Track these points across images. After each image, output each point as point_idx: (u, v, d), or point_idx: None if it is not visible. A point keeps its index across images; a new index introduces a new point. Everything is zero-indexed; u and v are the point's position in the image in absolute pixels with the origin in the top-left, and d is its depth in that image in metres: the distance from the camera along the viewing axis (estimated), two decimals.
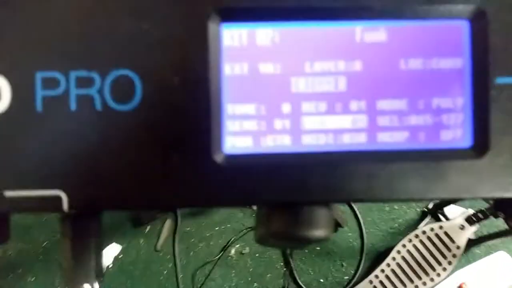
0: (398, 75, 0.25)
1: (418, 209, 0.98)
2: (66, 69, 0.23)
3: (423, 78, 0.25)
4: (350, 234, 1.00)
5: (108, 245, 0.73)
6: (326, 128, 0.25)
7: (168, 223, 0.82)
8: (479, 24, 0.25)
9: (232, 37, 0.25)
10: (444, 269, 0.94)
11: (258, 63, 0.25)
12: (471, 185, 0.25)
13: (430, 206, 1.04)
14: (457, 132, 0.25)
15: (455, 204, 1.00)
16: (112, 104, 0.24)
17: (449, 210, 1.03)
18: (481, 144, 0.25)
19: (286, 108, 0.25)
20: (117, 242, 0.75)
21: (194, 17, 0.24)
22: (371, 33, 0.25)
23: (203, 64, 0.24)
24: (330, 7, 0.24)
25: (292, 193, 0.25)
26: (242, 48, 0.25)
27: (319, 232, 0.26)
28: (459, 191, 0.25)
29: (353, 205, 0.99)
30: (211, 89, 0.24)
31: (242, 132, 0.25)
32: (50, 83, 0.23)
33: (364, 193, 0.25)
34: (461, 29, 0.25)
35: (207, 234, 0.78)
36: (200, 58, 0.24)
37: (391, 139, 0.25)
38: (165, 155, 0.24)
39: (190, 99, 0.24)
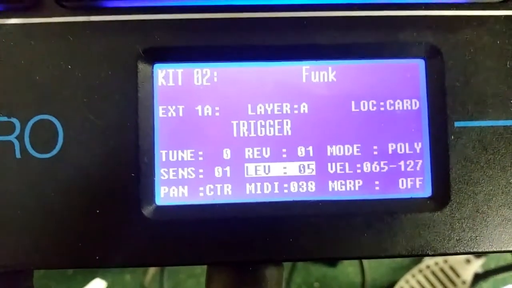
0: (349, 118, 0.23)
1: None
2: None
3: (376, 121, 0.23)
4: (350, 268, 0.96)
5: (91, 280, 0.70)
6: (271, 176, 0.23)
7: None
8: (435, 63, 0.22)
9: (166, 77, 0.23)
10: None
11: (195, 105, 0.23)
12: (432, 240, 0.22)
13: None
14: (415, 180, 0.23)
15: None
16: (32, 151, 0.22)
17: None
18: (441, 194, 0.22)
19: (227, 154, 0.23)
20: (101, 278, 0.72)
21: (122, 57, 0.22)
22: (318, 73, 0.23)
23: (132, 107, 0.22)
24: (272, 45, 0.22)
25: (232, 250, 0.22)
26: (177, 89, 0.23)
27: None
28: (418, 247, 0.22)
29: None
30: (141, 133, 0.22)
31: (177, 181, 0.23)
32: None
33: (313, 250, 0.22)
34: (416, 68, 0.23)
35: (197, 271, 0.75)
36: (129, 100, 0.22)
37: (343, 187, 0.23)
38: (87, 207, 0.22)
39: (117, 145, 0.22)
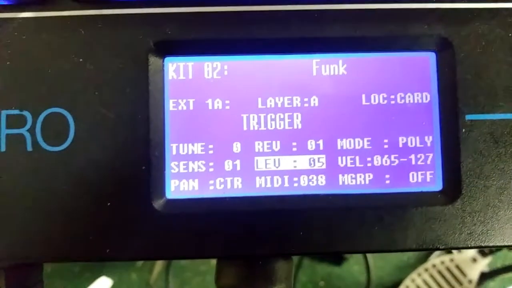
0: (359, 111, 0.23)
1: None
2: None
3: (387, 114, 0.23)
4: (355, 267, 0.95)
5: (97, 278, 0.71)
6: (281, 170, 0.23)
7: None
8: (446, 56, 0.22)
9: (177, 70, 0.23)
10: None
11: (205, 98, 0.23)
12: (442, 234, 0.22)
13: None
14: (426, 174, 0.23)
15: None
16: (43, 144, 0.22)
17: None
18: (452, 187, 0.22)
19: (237, 147, 0.23)
20: (107, 276, 0.72)
21: (133, 50, 0.22)
22: (329, 66, 0.23)
23: (143, 100, 0.22)
24: (283, 38, 0.22)
25: (242, 243, 0.22)
26: (188, 82, 0.23)
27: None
28: (429, 241, 0.22)
29: None
30: (152, 126, 0.22)
31: (187, 174, 0.23)
32: None
33: (323, 243, 0.22)
34: (427, 61, 0.23)
35: (203, 269, 0.75)
36: (140, 93, 0.22)
37: (354, 181, 0.23)
38: (98, 200, 0.22)
39: (127, 138, 0.22)
